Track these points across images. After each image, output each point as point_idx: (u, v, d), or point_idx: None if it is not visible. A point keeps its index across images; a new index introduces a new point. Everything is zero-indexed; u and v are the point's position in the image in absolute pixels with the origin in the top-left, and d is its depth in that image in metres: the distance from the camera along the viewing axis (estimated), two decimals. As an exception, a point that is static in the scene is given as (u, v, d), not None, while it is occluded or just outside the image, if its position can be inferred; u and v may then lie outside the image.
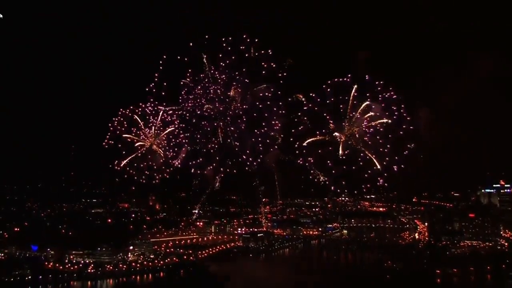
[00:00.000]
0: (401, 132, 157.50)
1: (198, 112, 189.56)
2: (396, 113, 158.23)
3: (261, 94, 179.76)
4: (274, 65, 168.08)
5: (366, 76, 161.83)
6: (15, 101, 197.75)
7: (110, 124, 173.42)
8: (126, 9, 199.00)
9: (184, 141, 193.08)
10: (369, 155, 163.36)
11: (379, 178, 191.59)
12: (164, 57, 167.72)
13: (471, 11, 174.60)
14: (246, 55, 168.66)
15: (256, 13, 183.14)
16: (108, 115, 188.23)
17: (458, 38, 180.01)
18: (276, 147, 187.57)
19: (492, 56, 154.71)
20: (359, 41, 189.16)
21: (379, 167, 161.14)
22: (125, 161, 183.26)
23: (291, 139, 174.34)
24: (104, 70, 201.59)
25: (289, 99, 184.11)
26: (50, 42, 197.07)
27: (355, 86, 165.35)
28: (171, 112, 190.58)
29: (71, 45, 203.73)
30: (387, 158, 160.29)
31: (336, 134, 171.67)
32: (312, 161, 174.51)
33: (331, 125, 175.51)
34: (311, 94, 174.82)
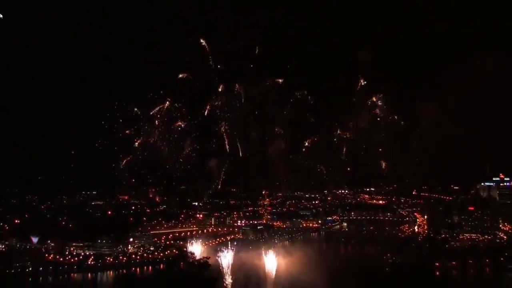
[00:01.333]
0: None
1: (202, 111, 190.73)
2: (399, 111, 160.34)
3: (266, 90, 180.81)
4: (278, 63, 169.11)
5: (369, 74, 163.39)
6: (15, 95, 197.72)
7: (103, 122, 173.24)
8: (126, 9, 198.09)
9: (188, 142, 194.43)
10: (375, 156, 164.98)
11: (386, 187, 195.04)
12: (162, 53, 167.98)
13: (471, 11, 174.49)
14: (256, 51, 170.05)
15: (256, 13, 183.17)
16: (108, 111, 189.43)
17: (458, 38, 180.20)
18: (280, 142, 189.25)
19: (492, 56, 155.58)
20: (359, 41, 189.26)
21: (384, 167, 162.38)
22: (124, 161, 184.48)
23: (295, 138, 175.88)
24: (104, 70, 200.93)
25: (291, 100, 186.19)
26: (50, 42, 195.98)
27: (361, 81, 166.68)
28: (176, 107, 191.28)
29: (71, 45, 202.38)
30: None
31: (339, 132, 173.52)
32: (315, 161, 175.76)
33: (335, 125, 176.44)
34: (309, 96, 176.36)
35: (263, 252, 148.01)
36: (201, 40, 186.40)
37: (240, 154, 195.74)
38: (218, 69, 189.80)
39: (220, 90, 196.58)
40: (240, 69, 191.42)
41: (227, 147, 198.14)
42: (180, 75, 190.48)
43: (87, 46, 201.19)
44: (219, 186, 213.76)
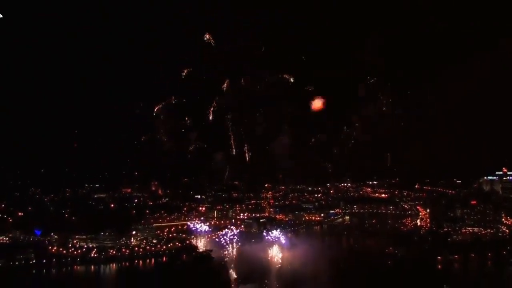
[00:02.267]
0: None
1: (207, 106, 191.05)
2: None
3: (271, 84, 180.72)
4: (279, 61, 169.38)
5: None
6: (17, 92, 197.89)
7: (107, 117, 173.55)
8: (126, 9, 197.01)
9: (193, 137, 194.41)
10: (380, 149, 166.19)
11: (388, 180, 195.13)
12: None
13: (471, 11, 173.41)
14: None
15: (256, 13, 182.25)
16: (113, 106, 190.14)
17: (458, 38, 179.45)
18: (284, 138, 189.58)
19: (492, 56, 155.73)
20: (359, 41, 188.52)
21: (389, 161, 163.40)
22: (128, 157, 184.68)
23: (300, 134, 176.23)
24: (106, 68, 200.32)
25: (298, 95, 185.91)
26: (50, 42, 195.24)
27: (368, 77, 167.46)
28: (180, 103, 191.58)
29: (71, 45, 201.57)
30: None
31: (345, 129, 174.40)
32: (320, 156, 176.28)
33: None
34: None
35: (266, 244, 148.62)
36: (206, 35, 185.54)
37: (247, 158, 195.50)
38: (222, 65, 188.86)
39: (225, 85, 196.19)
40: (240, 68, 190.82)
41: (233, 143, 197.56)
42: (185, 71, 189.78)
43: (87, 45, 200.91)
44: (224, 182, 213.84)
